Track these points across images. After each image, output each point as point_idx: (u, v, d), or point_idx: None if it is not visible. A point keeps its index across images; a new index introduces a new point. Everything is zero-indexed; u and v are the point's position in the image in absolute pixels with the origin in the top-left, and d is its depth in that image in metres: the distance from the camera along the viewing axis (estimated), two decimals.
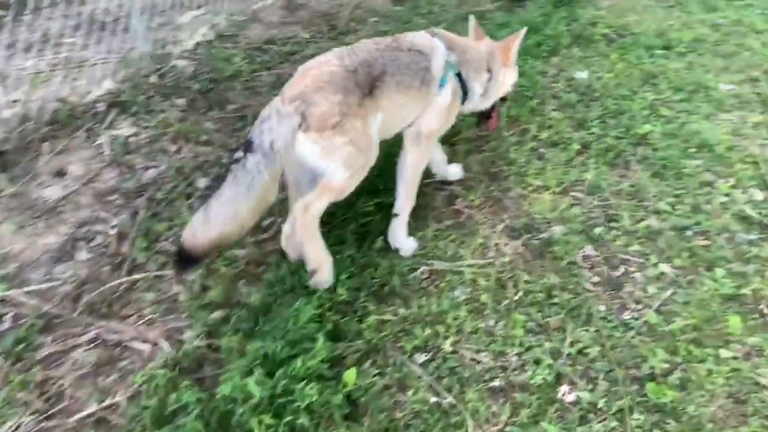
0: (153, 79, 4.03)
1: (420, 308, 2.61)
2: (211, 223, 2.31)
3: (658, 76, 4.41)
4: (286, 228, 2.72)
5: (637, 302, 2.64)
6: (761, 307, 2.56)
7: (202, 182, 3.26)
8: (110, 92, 3.87)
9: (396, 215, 2.87)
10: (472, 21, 3.16)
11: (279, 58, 4.49)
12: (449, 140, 3.60)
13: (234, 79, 4.18)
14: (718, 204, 3.18)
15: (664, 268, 2.79)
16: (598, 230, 3.01)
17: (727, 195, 3.25)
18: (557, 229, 3.02)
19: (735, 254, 2.85)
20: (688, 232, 3.00)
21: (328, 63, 2.48)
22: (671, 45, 4.92)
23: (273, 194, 2.40)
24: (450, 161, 3.40)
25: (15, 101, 3.82)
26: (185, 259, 2.38)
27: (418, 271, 2.80)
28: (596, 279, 2.76)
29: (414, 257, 2.87)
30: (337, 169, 2.44)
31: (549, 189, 3.31)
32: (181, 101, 3.92)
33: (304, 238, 2.55)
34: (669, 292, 2.66)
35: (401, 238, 2.88)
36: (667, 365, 2.35)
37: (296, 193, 2.56)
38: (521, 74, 3.73)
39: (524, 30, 3.13)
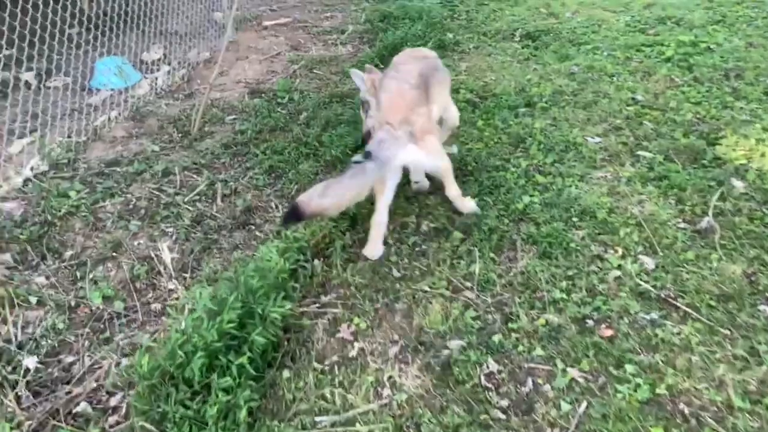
0: None
1: None
2: (325, 196, 2.88)
3: (527, 139, 4.26)
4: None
5: (553, 425, 2.30)
6: (681, 407, 2.29)
7: (30, 362, 2.65)
8: None
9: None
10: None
11: (125, 181, 3.94)
12: (325, 250, 3.21)
13: (72, 217, 3.58)
14: (612, 280, 2.96)
15: (573, 373, 2.49)
16: (496, 338, 2.68)
17: (618, 267, 3.04)
18: (454, 344, 2.66)
19: (641, 341, 2.60)
20: (589, 322, 2.74)
21: (404, 88, 3.26)
22: (533, 101, 4.85)
23: (366, 194, 3.06)
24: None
25: None
26: (293, 215, 2.90)
27: None
28: (505, 402, 2.40)
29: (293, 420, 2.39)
30: (440, 159, 3.32)
31: (438, 292, 2.97)
32: (6, 257, 3.28)
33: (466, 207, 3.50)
34: (583, 406, 2.34)
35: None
36: None
37: (383, 191, 3.22)
38: None
39: None
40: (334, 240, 3.24)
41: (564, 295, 2.87)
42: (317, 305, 2.92)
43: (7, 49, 4.99)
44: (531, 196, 3.61)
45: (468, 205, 3.51)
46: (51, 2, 4.70)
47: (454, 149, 4.19)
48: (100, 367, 2.65)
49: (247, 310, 2.51)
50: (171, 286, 3.16)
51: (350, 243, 3.29)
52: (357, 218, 3.44)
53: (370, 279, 3.08)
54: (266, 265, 2.74)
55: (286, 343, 2.67)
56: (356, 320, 2.82)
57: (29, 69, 5.36)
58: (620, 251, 3.14)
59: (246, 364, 2.32)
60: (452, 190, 3.46)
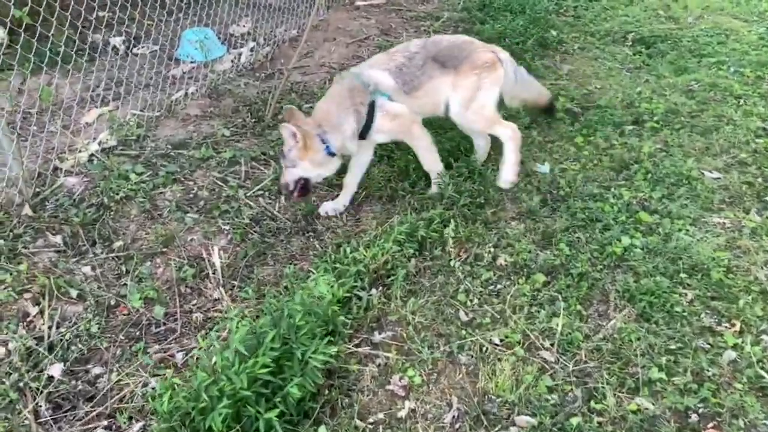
0: (26, 209, 3.17)
1: None
2: None
3: (632, 165, 3.65)
4: None
5: None
6: None
7: (56, 370, 2.39)
8: None
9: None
10: None
11: (190, 167, 3.66)
12: (385, 278, 2.79)
13: (129, 202, 3.33)
14: (726, 365, 2.38)
15: None
16: (575, 421, 2.19)
17: (735, 347, 2.45)
18: (523, 422, 2.19)
19: None
20: (692, 417, 2.19)
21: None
22: (642, 119, 4.19)
23: None
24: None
25: None
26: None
27: None
28: None
29: None
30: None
31: (510, 347, 2.50)
32: (57, 239, 3.06)
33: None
34: None
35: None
36: None
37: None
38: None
39: None
40: (397, 267, 2.81)
41: (663, 376, 2.33)
42: (368, 346, 2.51)
43: (99, 11, 4.81)
44: (632, 237, 3.04)
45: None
46: None
47: (546, 168, 3.64)
48: (127, 385, 2.37)
49: (287, 350, 2.14)
50: (216, 294, 2.84)
51: (415, 272, 2.86)
52: (425, 243, 3.00)
53: (432, 319, 2.63)
54: (315, 298, 2.34)
55: (327, 391, 2.28)
56: (411, 372, 2.39)
57: (119, 34, 5.19)
58: (738, 326, 2.54)
59: (275, 421, 1.95)
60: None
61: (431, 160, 3.34)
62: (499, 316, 2.66)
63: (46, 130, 3.76)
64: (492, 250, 3.01)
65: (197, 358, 2.32)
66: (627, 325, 2.56)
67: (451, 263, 2.90)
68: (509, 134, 3.40)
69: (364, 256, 2.77)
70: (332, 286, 2.50)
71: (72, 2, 3.89)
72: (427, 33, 5.89)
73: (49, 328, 2.60)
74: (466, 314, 2.67)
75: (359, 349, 2.49)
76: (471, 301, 2.73)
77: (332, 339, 2.35)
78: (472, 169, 3.45)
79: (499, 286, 2.83)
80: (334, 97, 3.25)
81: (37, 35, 4.02)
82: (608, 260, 2.92)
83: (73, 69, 4.41)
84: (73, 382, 2.37)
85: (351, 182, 3.40)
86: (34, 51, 3.83)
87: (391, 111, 3.18)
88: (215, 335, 2.23)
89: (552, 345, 2.50)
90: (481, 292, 2.78)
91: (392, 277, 2.77)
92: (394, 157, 3.75)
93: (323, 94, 4.56)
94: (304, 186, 3.21)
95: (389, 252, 2.81)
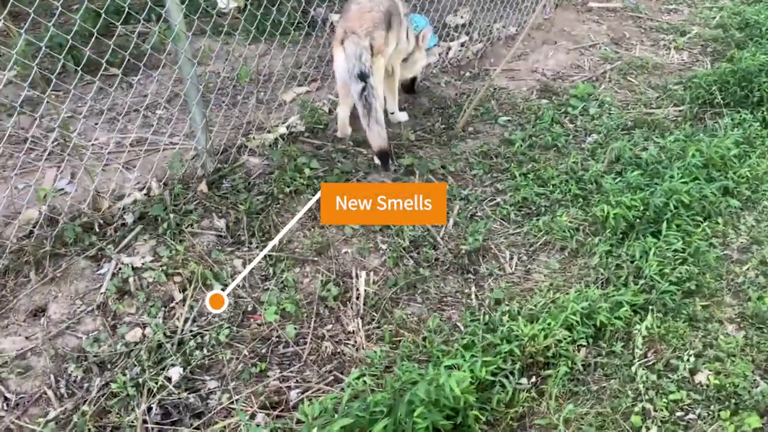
0: (203, 186, 3.08)
1: None
2: (382, 125, 3.17)
3: None
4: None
5: None
6: None
7: (175, 372, 2.22)
8: (147, 199, 2.99)
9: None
10: None
11: (365, 168, 3.32)
12: (543, 367, 2.19)
13: (297, 197, 3.09)
14: None
15: None
16: None
17: None
18: None
19: None
20: None
21: (374, 11, 3.18)
22: None
23: None
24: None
25: (60, 191, 3.11)
26: (387, 159, 3.23)
27: None
28: None
29: None
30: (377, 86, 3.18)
31: None
32: (221, 223, 2.93)
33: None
34: None
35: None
36: None
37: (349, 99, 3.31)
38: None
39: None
40: (560, 356, 2.19)
41: None
42: None
43: None
44: None
45: (399, 115, 3.69)
46: None
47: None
48: (233, 415, 2.12)
49: None
50: (353, 327, 2.48)
51: (582, 367, 2.21)
52: (604, 330, 2.32)
53: None
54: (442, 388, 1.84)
55: None
56: None
57: (338, 12, 5.01)
58: None
59: None
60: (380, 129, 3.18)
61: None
62: None
63: (241, 104, 3.68)
64: (692, 360, 2.23)
65: (297, 422, 1.96)
66: None
67: (633, 367, 2.20)
68: None
69: (522, 332, 2.19)
70: (473, 366, 1.98)
71: None
72: (666, 49, 4.87)
73: (185, 321, 2.45)
74: None
75: None
76: (648, 428, 2.02)
77: None
78: (687, 243, 2.64)
79: (690, 416, 2.08)
80: None
81: (263, 5, 3.95)
82: None
83: (289, 43, 4.32)
84: (185, 394, 2.17)
85: None
86: (257, 22, 3.75)
87: None
88: (318, 408, 1.86)
89: None
90: (664, 418, 2.06)
91: (551, 369, 2.16)
92: (591, 201, 3.05)
93: (527, 106, 3.95)
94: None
95: (555, 335, 2.19)
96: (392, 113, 3.72)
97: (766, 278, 2.60)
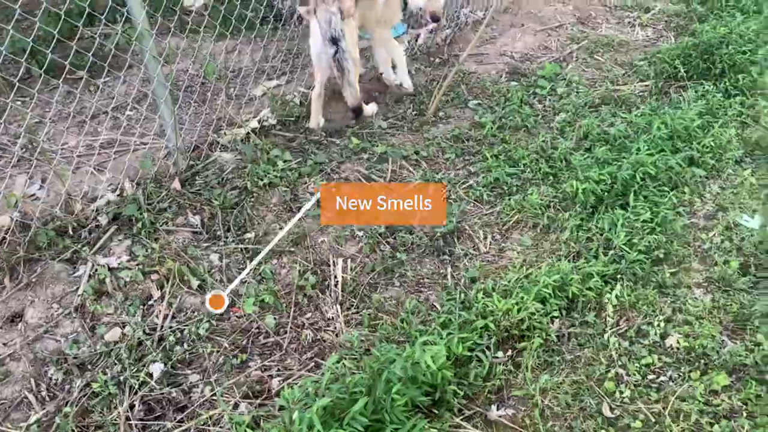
0: (176, 183, 3.09)
1: None
2: (355, 86, 3.30)
3: None
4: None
5: None
6: None
7: (157, 368, 2.24)
8: (120, 200, 2.98)
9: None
10: None
11: (339, 158, 3.34)
12: (518, 340, 2.24)
13: (271, 189, 3.11)
14: None
15: None
16: None
17: None
18: None
19: None
20: None
21: None
22: None
23: None
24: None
25: (32, 196, 3.10)
26: (360, 113, 3.47)
27: None
28: None
29: None
30: (354, 49, 3.33)
31: None
32: (196, 219, 2.94)
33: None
34: None
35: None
36: None
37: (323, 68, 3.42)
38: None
39: None
40: (535, 329, 2.24)
41: None
42: (482, 422, 2.01)
43: None
44: None
45: (367, 109, 3.61)
46: None
47: (756, 222, 2.76)
48: (216, 406, 2.14)
49: (377, 428, 1.73)
50: (332, 313, 2.52)
51: (556, 338, 2.27)
52: (576, 302, 2.38)
53: (567, 406, 2.05)
54: (422, 365, 1.89)
55: None
56: None
57: (305, 3, 5.00)
58: None
59: None
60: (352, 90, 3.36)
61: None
62: (654, 421, 2.01)
63: (211, 100, 3.68)
64: (663, 325, 2.31)
65: (279, 408, 1.99)
66: None
67: (606, 335, 2.26)
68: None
69: (497, 307, 2.25)
70: (449, 342, 2.02)
71: None
72: (631, 26, 4.95)
73: (165, 317, 2.47)
74: (611, 409, 2.05)
75: (468, 427, 2.00)
76: (621, 392, 2.09)
77: (437, 411, 1.89)
78: (655, 213, 2.71)
79: (662, 378, 2.15)
80: None
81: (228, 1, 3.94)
82: None
83: (256, 37, 4.31)
84: (168, 389, 2.19)
85: None
86: (223, 17, 3.74)
87: None
88: (298, 393, 1.89)
89: None
90: (637, 382, 2.13)
91: (526, 341, 2.22)
92: (561, 178, 3.11)
93: (496, 89, 4.00)
94: None
95: (529, 308, 2.25)
96: (399, 84, 3.94)
97: (731, 243, 2.68)
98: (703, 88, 3.74)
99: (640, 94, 3.91)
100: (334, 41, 3.20)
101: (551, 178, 3.14)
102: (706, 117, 3.40)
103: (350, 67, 3.24)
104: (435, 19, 3.54)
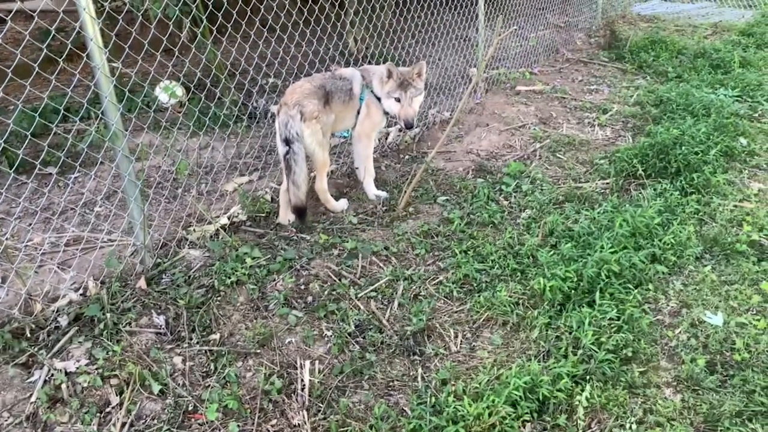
0: (141, 282, 3.06)
1: None
2: (300, 187, 3.46)
3: None
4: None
5: None
6: None
7: None
8: (83, 299, 2.93)
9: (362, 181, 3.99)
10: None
11: (308, 254, 3.37)
12: None
13: (239, 287, 3.10)
14: None
15: None
16: None
17: None
18: None
19: None
20: None
21: (304, 86, 3.57)
22: None
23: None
24: None
25: None
26: (302, 214, 3.55)
27: None
28: None
29: None
30: (318, 147, 3.57)
31: None
32: (160, 319, 2.89)
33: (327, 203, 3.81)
34: None
35: (372, 190, 3.99)
36: None
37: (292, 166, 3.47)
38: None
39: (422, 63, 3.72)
40: None
41: None
42: None
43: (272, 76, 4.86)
44: None
45: (336, 205, 3.81)
46: (324, 39, 4.40)
47: (719, 319, 2.83)
48: None
49: None
50: (298, 420, 2.44)
51: None
52: (547, 404, 2.37)
53: None
54: None
55: None
56: None
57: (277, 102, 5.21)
58: None
59: None
60: (321, 183, 3.71)
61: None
62: None
63: (181, 197, 3.73)
64: (635, 427, 2.30)
65: None
66: None
67: None
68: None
69: (468, 411, 2.22)
70: None
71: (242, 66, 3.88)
72: (591, 126, 5.25)
73: (123, 425, 2.36)
74: None
75: None
76: None
77: None
78: (621, 311, 2.77)
79: None
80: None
81: (201, 101, 4.09)
82: None
83: (229, 135, 4.45)
84: None
85: None
86: (196, 116, 3.88)
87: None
88: None
89: None
90: None
91: None
92: (529, 274, 3.17)
93: (464, 185, 4.15)
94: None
95: (500, 412, 2.23)
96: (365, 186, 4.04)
97: (697, 340, 2.73)
98: (661, 186, 3.94)
99: (602, 191, 4.10)
100: (287, 142, 3.43)
101: (519, 274, 3.20)
102: (665, 215, 3.56)
103: (297, 169, 3.42)
104: (408, 125, 3.69)
